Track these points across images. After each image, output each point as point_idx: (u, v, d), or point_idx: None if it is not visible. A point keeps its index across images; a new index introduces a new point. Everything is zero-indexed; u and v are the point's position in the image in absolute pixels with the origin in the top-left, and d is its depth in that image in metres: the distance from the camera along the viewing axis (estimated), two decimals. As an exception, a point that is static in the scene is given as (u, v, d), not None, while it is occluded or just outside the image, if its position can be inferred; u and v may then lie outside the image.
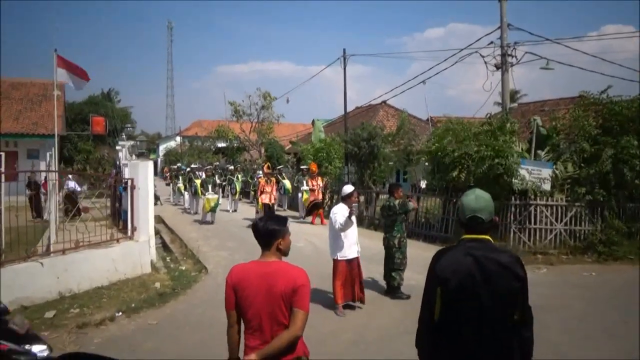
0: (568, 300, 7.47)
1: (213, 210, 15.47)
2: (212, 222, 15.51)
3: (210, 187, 16.30)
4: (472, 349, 2.53)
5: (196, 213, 17.71)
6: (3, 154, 8.45)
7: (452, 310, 2.56)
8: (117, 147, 15.40)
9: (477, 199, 2.70)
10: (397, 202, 7.58)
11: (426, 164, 13.97)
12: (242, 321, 2.84)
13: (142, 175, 9.29)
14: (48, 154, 15.84)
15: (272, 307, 2.69)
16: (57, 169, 11.68)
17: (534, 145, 11.67)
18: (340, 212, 6.80)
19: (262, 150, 28.88)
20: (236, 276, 2.82)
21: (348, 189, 7.04)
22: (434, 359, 2.68)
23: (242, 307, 2.77)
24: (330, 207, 10.37)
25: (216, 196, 16.02)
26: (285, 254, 2.92)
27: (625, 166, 10.53)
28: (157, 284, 8.24)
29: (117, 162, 14.72)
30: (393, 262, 7.49)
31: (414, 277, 7.41)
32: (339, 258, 6.81)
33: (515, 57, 13.65)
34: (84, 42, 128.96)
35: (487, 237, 2.68)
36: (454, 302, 2.55)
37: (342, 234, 6.74)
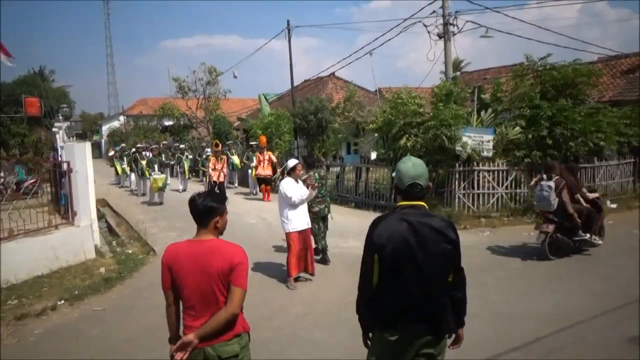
0: (507, 260, 7.86)
1: (161, 189, 15.06)
2: (160, 203, 15.12)
3: (157, 166, 15.84)
4: (410, 311, 2.62)
5: (144, 194, 17.19)
6: None
7: (390, 275, 2.62)
8: (54, 129, 14.58)
9: (415, 166, 2.73)
10: (318, 172, 8.06)
11: (375, 134, 14.11)
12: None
13: (79, 158, 8.86)
14: (-26, 139, 14.81)
15: (209, 286, 2.65)
16: (-14, 155, 10.95)
17: (475, 111, 12.01)
18: (287, 185, 6.79)
19: (210, 127, 28.24)
20: (170, 256, 2.76)
21: (292, 162, 7.07)
22: (374, 324, 2.75)
23: (178, 287, 2.72)
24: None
25: (163, 176, 15.58)
26: (221, 232, 2.88)
27: (560, 128, 11.03)
28: (102, 269, 7.97)
29: (55, 145, 13.96)
30: (326, 228, 7.97)
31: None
32: (291, 230, 6.82)
33: (457, 26, 13.90)
34: (10, 17, 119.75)
35: (422, 203, 2.72)
36: (391, 267, 2.62)
37: (293, 206, 6.76)
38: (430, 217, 2.68)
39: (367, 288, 2.70)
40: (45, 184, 11.69)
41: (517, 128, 11.30)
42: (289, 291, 6.70)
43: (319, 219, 7.75)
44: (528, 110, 11.47)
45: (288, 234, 6.84)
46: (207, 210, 2.76)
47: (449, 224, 2.70)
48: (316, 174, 7.72)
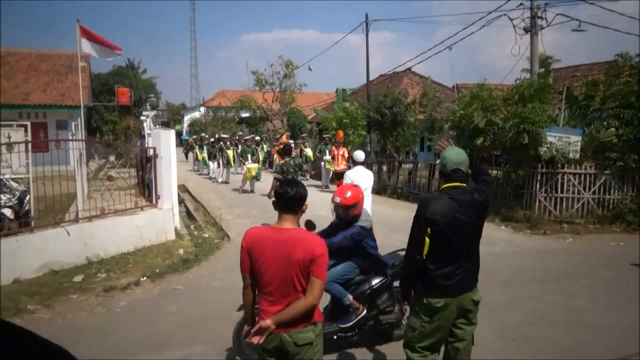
0: (593, 269, 7.32)
1: (255, 178, 15.65)
2: (251, 191, 15.61)
3: (250, 156, 16.51)
4: (457, 275, 3.16)
5: (225, 182, 17.92)
6: (29, 123, 8.62)
7: (441, 246, 3.12)
8: (142, 118, 15.59)
9: (458, 154, 3.26)
10: (294, 160, 9.62)
11: (450, 132, 13.67)
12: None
13: (165, 144, 9.37)
14: (73, 124, 16.10)
15: (289, 274, 2.66)
16: (83, 139, 11.91)
17: (563, 109, 11.27)
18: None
19: (285, 120, 28.79)
20: (251, 240, 2.77)
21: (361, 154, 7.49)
22: (420, 292, 3.25)
23: (258, 271, 2.73)
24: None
25: (257, 165, 16.18)
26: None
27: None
28: (181, 251, 8.42)
29: (142, 132, 14.93)
30: None
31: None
32: None
33: (546, 19, 13.10)
34: (106, 11, 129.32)
35: (463, 184, 3.24)
36: (443, 239, 3.10)
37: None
38: (471, 195, 3.20)
39: (417, 258, 3.15)
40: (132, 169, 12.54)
41: (612, 129, 10.44)
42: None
43: None
44: (623, 110, 10.57)
45: None
46: (302, 198, 2.80)
47: (487, 197, 3.30)
48: (291, 162, 9.31)
